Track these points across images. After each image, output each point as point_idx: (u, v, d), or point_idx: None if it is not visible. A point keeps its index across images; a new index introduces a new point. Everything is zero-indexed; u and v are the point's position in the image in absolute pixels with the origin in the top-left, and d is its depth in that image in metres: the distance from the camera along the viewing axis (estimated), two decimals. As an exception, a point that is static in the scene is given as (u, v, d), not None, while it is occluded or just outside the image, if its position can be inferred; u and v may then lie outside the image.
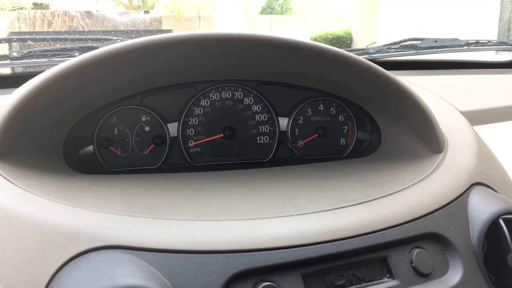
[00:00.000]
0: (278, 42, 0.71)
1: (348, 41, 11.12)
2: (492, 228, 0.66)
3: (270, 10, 14.36)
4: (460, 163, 0.77)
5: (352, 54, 0.73)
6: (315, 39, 10.18)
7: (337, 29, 11.41)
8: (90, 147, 0.87)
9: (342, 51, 0.73)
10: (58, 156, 0.80)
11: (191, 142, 0.92)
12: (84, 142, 0.87)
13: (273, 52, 0.75)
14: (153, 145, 0.90)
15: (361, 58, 0.74)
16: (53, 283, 0.52)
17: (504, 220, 0.67)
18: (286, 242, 0.57)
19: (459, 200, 0.70)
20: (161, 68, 0.80)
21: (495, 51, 2.19)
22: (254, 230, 0.59)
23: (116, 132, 0.88)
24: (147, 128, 0.90)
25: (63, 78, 0.67)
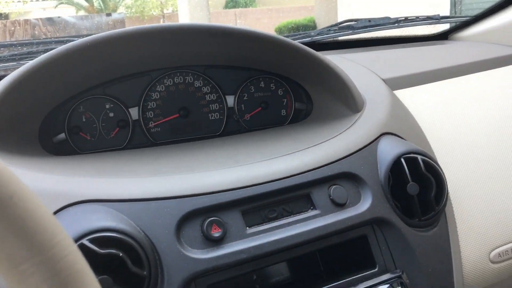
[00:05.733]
0: (212, 30, 0.85)
1: (313, 29, 11.24)
2: (396, 166, 0.83)
3: (234, 3, 14.41)
4: (373, 118, 0.93)
5: (274, 34, 0.88)
6: (279, 30, 10.34)
7: (301, 18, 11.56)
8: (62, 134, 1.00)
9: (266, 33, 0.88)
10: (35, 143, 0.93)
11: (152, 123, 1.05)
12: (57, 130, 0.99)
13: (210, 39, 0.89)
14: (118, 128, 1.03)
15: (283, 37, 0.89)
16: None
17: (404, 158, 0.83)
18: (227, 186, 0.72)
19: (370, 146, 0.86)
20: (118, 60, 0.93)
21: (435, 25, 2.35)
22: (201, 179, 0.73)
23: (84, 120, 1.01)
24: (111, 114, 1.03)
25: (31, 75, 0.79)
